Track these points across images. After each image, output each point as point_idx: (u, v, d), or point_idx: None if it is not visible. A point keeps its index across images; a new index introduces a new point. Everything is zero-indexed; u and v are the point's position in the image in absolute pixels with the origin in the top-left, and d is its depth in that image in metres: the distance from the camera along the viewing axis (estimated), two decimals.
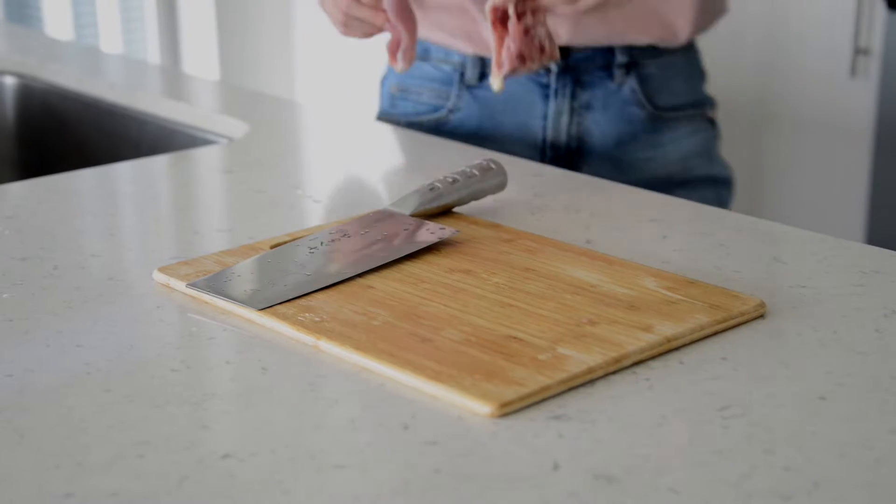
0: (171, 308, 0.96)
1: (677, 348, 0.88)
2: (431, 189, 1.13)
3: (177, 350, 0.89)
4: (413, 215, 1.11)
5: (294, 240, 1.07)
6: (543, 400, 0.80)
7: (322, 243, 1.05)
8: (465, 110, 1.55)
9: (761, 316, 0.93)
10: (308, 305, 0.93)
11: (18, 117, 1.88)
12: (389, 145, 1.52)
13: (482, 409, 0.78)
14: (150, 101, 1.67)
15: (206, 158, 1.41)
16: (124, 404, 0.80)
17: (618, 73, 1.50)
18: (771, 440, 0.76)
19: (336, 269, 1.00)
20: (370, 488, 0.71)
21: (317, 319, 0.91)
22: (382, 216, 1.11)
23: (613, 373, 0.84)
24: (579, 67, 1.49)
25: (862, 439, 0.76)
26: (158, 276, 1.00)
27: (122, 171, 1.37)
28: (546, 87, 1.50)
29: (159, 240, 1.15)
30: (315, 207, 1.23)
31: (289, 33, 3.59)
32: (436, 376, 0.82)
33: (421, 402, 0.80)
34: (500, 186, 1.19)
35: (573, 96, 1.50)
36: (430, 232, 1.07)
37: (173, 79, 2.01)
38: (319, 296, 0.95)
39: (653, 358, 0.87)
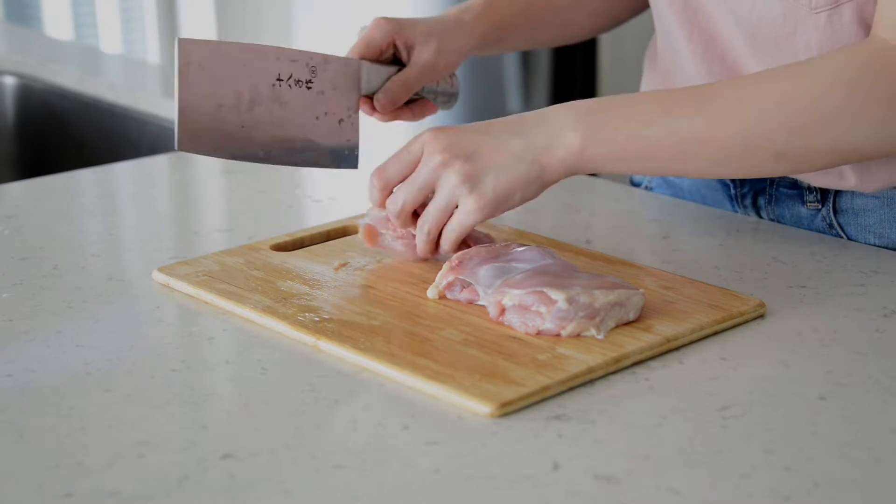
0: (170, 308, 0.96)
1: (677, 348, 0.88)
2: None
3: (177, 350, 0.89)
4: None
5: (294, 240, 1.07)
6: (543, 400, 0.80)
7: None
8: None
9: (761, 316, 0.93)
10: (308, 305, 0.93)
11: (18, 117, 1.88)
12: (389, 145, 1.52)
13: (482, 409, 0.78)
14: (150, 101, 1.67)
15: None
16: (124, 404, 0.80)
17: None
18: (771, 440, 0.76)
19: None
20: (370, 488, 0.70)
21: (316, 319, 0.91)
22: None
23: (613, 373, 0.84)
24: None
25: (862, 439, 0.76)
26: (158, 276, 1.00)
27: (122, 171, 1.37)
28: None
29: (159, 240, 1.15)
30: (315, 207, 1.23)
31: (289, 33, 3.59)
32: (436, 376, 0.82)
33: (421, 402, 0.80)
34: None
35: None
36: None
37: (173, 79, 2.01)
38: (319, 295, 0.95)
39: (653, 358, 0.87)
